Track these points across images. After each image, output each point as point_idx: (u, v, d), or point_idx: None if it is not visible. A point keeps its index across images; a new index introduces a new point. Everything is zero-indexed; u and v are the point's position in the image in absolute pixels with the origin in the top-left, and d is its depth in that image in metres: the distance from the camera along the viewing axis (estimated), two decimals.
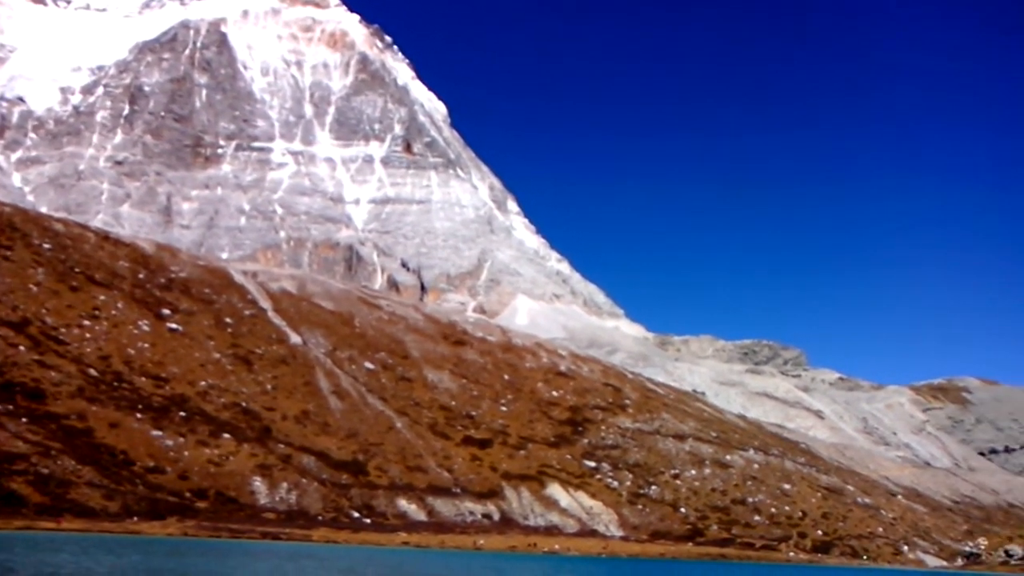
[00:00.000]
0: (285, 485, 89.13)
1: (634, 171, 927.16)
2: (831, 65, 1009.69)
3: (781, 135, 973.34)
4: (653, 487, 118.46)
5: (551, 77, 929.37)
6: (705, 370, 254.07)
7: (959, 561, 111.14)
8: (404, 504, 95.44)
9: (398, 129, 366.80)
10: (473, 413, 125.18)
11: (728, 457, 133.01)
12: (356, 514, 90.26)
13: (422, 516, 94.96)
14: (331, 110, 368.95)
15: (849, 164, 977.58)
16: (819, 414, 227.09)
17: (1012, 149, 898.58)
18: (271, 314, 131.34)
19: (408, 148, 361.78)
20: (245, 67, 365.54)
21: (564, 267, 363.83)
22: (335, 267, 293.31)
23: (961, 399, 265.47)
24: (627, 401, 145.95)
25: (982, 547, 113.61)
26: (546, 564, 63.76)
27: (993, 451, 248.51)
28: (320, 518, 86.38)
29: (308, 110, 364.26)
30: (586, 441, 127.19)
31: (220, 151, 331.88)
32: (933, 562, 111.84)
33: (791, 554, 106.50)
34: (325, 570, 39.82)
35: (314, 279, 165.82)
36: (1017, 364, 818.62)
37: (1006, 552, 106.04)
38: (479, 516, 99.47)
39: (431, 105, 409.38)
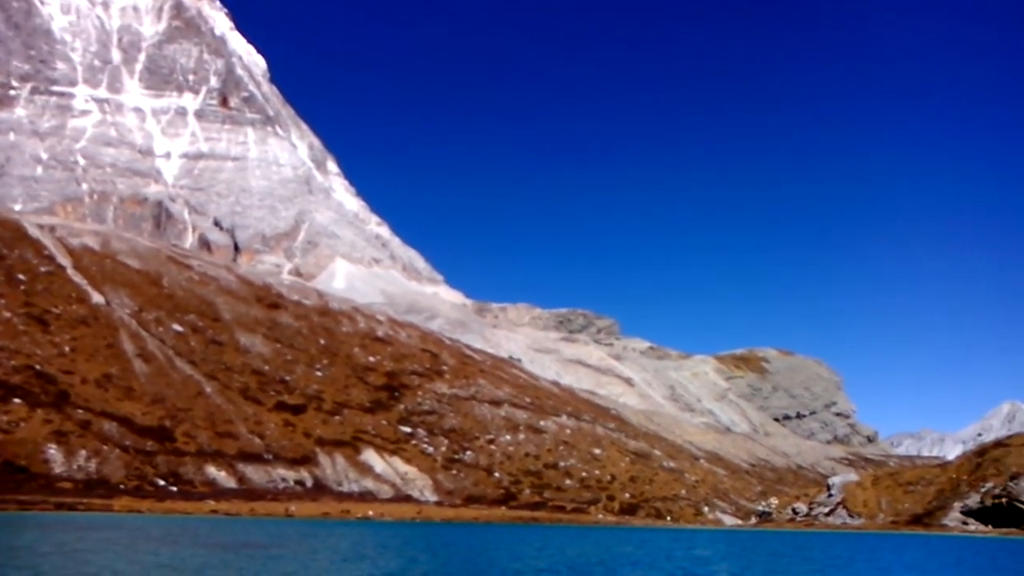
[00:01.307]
0: (84, 453, 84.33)
1: (455, 136, 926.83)
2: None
3: (592, 106, 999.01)
4: (468, 452, 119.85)
5: (374, 37, 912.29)
6: (521, 337, 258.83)
7: (753, 520, 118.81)
8: (213, 471, 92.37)
9: (214, 81, 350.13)
10: (287, 378, 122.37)
11: (542, 423, 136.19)
12: (162, 482, 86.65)
13: (232, 483, 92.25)
14: (141, 57, 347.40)
15: (660, 135, 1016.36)
16: (629, 381, 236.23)
17: (822, 137, 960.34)
18: (71, 272, 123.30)
19: (224, 102, 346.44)
20: (43, 2, 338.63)
21: (384, 231, 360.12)
22: (143, 224, 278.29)
23: (760, 368, 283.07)
24: (444, 367, 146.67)
25: (773, 506, 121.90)
26: (358, 530, 63.29)
27: (787, 417, 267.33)
28: (122, 487, 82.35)
29: (115, 55, 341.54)
30: (402, 407, 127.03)
31: (13, 93, 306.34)
32: (730, 521, 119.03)
33: (600, 516, 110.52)
34: (131, 540, 37.84)
35: (119, 236, 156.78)
36: (809, 335, 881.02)
37: (793, 510, 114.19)
38: (292, 483, 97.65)
39: (250, 59, 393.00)
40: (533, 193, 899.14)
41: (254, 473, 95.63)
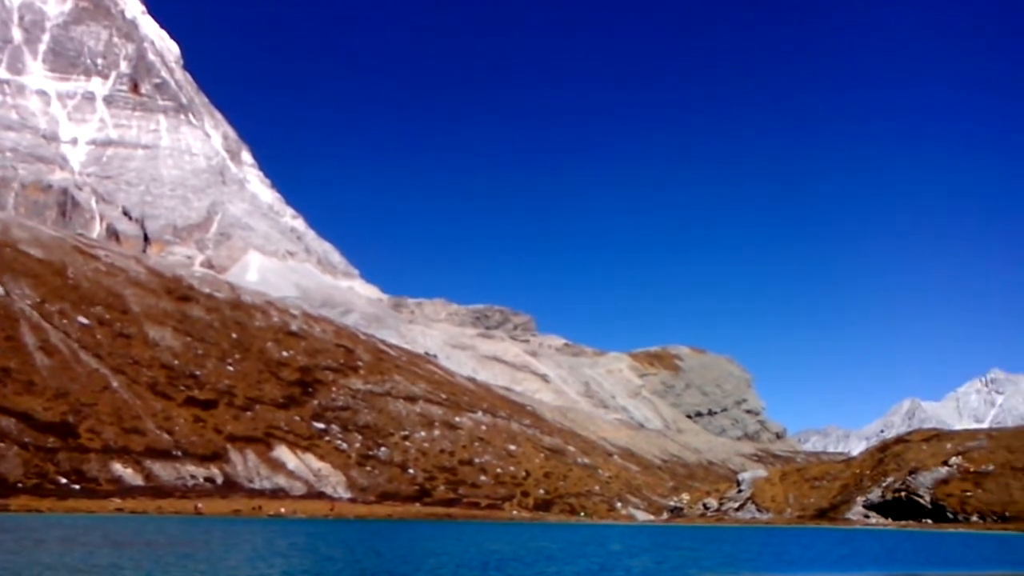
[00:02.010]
0: None
1: (373, 130, 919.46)
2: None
3: (510, 102, 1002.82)
4: (383, 448, 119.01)
5: (291, 26, 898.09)
6: (438, 333, 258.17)
7: (664, 515, 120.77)
8: (119, 468, 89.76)
9: (124, 66, 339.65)
10: (197, 372, 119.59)
11: (457, 419, 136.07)
12: (63, 480, 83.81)
13: (139, 481, 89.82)
14: (45, 38, 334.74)
15: (576, 132, 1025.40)
16: (545, 378, 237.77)
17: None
18: None
19: (135, 88, 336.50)
20: None
21: (299, 224, 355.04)
22: (46, 212, 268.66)
23: (673, 366, 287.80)
24: (359, 362, 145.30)
25: (684, 501, 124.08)
26: (271, 527, 62.26)
27: (699, 414, 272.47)
28: (20, 485, 79.38)
29: (16, 35, 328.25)
30: (316, 402, 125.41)
31: None
32: (642, 516, 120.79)
33: (514, 512, 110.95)
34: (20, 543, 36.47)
35: (21, 224, 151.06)
36: (721, 333, 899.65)
37: (704, 505, 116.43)
38: (201, 480, 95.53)
39: (162, 44, 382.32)
40: (450, 188, 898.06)
41: (162, 470, 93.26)
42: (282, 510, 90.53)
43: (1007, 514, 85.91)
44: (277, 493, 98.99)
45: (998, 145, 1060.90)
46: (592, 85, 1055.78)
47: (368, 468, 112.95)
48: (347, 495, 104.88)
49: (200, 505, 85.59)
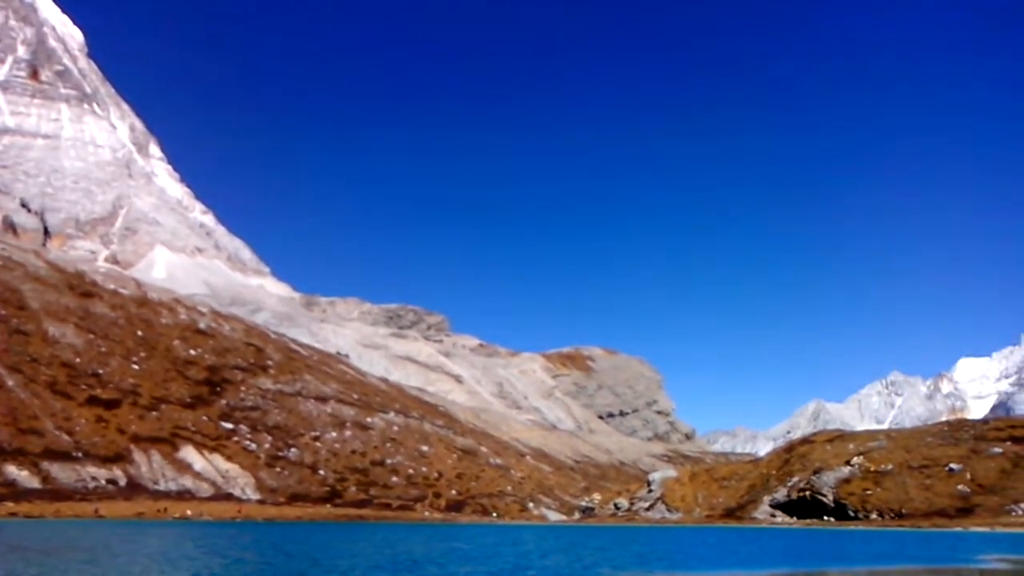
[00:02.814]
0: None
1: (284, 124, 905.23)
2: None
3: (419, 98, 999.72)
4: (293, 449, 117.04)
5: (202, 17, 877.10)
6: (350, 332, 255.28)
7: (576, 515, 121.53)
8: (14, 470, 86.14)
9: (22, 51, 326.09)
10: (100, 371, 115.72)
11: (369, 419, 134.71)
12: None
13: (35, 483, 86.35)
14: None
15: (489, 131, 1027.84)
16: (458, 378, 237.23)
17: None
18: None
19: (35, 74, 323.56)
20: None
21: (209, 219, 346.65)
22: None
23: (586, 367, 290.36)
24: (269, 362, 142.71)
25: (596, 501, 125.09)
26: (176, 530, 60.48)
27: (610, 414, 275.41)
28: None
29: None
30: (224, 402, 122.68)
31: None
32: (554, 516, 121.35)
33: (426, 513, 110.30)
34: None
35: None
36: (633, 334, 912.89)
37: (615, 505, 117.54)
38: (103, 482, 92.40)
39: (65, 30, 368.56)
40: (363, 185, 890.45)
41: (61, 472, 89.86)
42: (188, 512, 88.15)
43: (904, 511, 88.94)
44: (183, 495, 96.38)
45: (908, 151, 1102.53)
46: (503, 74, 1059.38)
47: (278, 469, 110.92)
48: (256, 497, 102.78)
49: (100, 508, 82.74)
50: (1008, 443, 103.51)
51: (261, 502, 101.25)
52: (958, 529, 75.78)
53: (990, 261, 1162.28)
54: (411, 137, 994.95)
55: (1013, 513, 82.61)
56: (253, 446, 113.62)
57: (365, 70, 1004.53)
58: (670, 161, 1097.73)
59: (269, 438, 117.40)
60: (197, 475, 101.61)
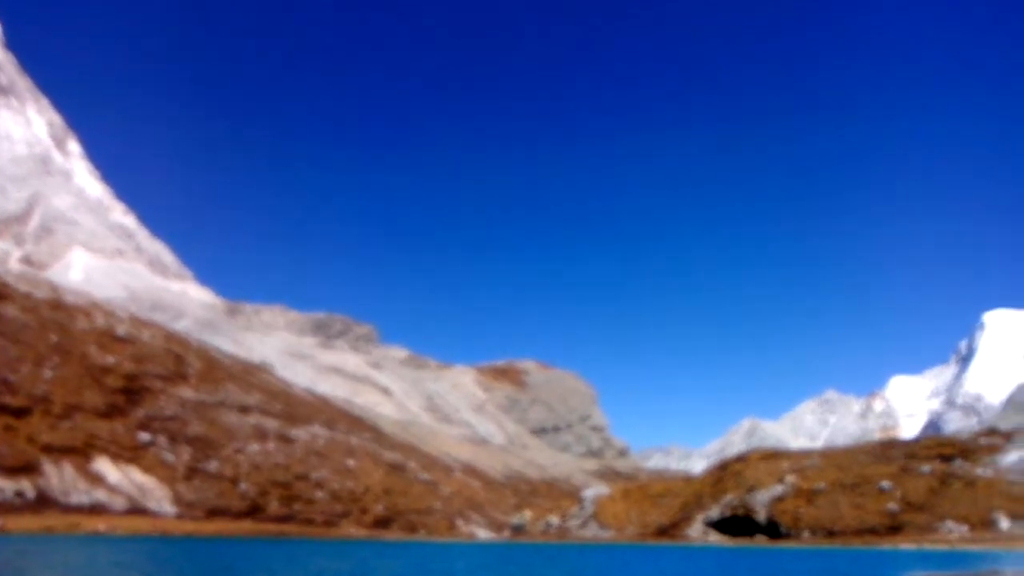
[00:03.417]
0: None
1: (209, 125, 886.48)
2: None
3: (349, 91, 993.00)
4: (213, 462, 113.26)
5: (124, 14, 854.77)
6: (275, 341, 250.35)
7: (506, 532, 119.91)
8: None
9: None
10: (10, 378, 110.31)
11: (293, 432, 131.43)
12: None
13: None
14: None
15: (421, 139, 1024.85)
16: (387, 391, 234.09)
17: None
18: None
19: None
20: None
21: (130, 221, 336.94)
22: None
23: (519, 380, 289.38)
24: (190, 370, 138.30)
25: (527, 518, 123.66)
26: (88, 545, 57.36)
27: (543, 429, 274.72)
28: None
29: None
30: (142, 412, 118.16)
31: None
32: (484, 534, 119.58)
33: (351, 530, 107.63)
34: None
35: None
36: (568, 349, 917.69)
37: (547, 523, 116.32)
38: (10, 494, 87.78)
39: None
40: (291, 190, 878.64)
41: None
42: (101, 527, 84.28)
43: (835, 529, 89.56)
44: (96, 509, 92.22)
45: (833, 171, 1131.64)
46: (431, 80, 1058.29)
47: (196, 482, 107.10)
48: (173, 511, 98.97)
49: (6, 522, 78.49)
50: (937, 461, 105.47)
51: (179, 516, 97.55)
52: (887, 547, 76.51)
53: (922, 279, 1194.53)
54: (340, 142, 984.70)
55: (940, 531, 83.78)
56: (171, 458, 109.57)
57: (293, 67, 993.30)
58: (606, 172, 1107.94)
59: (188, 450, 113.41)
60: (111, 488, 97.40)
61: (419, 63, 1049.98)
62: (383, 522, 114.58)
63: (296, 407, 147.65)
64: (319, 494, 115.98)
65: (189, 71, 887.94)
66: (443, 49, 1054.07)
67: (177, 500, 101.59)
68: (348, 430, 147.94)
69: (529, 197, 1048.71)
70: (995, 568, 44.38)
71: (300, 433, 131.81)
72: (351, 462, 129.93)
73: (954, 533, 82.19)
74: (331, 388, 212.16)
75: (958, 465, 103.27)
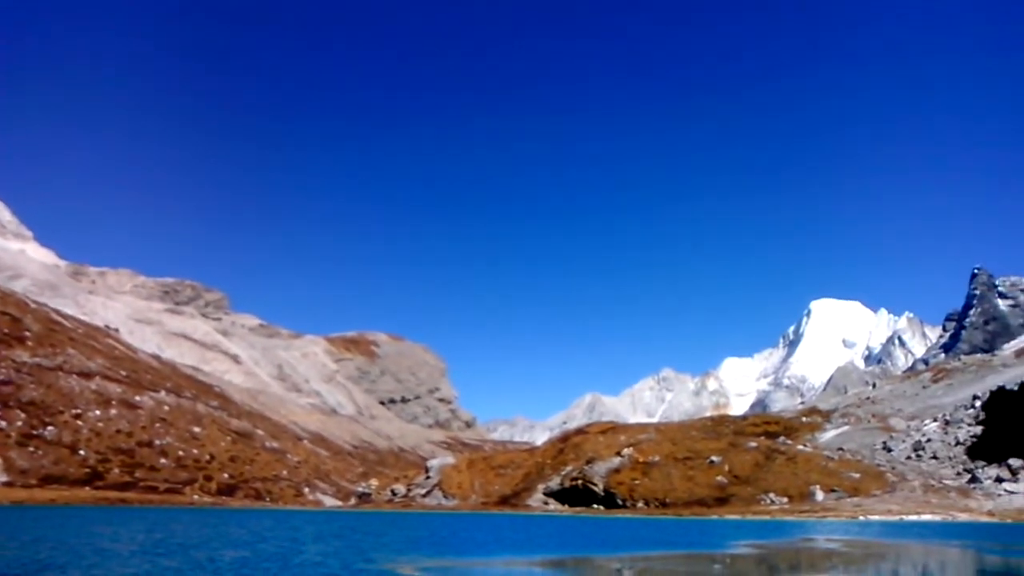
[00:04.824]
0: None
1: (53, 82, 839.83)
2: None
3: (201, 64, 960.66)
4: (50, 428, 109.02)
5: None
6: (121, 306, 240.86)
7: (352, 500, 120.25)
8: None
9: None
10: None
11: (138, 398, 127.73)
12: None
13: None
14: None
15: (278, 112, 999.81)
16: (236, 358, 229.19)
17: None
18: None
19: None
20: None
21: None
22: None
23: (370, 352, 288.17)
24: (27, 333, 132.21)
25: (373, 487, 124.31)
26: None
27: (392, 400, 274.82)
28: None
29: None
30: None
31: None
32: (330, 502, 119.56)
33: (195, 497, 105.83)
34: None
35: None
36: (419, 321, 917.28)
37: (392, 491, 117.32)
38: None
39: None
40: (140, 149, 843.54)
41: None
42: None
43: (668, 500, 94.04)
44: None
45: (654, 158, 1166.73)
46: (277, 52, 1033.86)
47: (31, 449, 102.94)
48: (3, 478, 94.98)
49: None
50: (762, 438, 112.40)
51: (9, 484, 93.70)
52: (715, 517, 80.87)
53: (755, 269, 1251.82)
54: (193, 99, 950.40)
55: (763, 502, 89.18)
56: (3, 424, 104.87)
57: (134, 21, 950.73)
58: (460, 145, 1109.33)
59: (23, 415, 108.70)
60: None
61: None
62: (228, 490, 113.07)
63: (142, 373, 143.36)
64: (163, 461, 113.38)
65: (32, 25, 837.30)
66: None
67: (8, 467, 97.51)
68: (195, 397, 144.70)
69: (381, 171, 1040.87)
70: (808, 536, 48.10)
71: (145, 399, 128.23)
72: (197, 429, 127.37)
73: (775, 505, 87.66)
74: (179, 354, 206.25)
75: (781, 441, 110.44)
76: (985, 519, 71.46)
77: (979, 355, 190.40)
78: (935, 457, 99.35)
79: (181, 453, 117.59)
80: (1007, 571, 28.03)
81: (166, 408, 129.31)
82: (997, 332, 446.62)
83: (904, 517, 73.58)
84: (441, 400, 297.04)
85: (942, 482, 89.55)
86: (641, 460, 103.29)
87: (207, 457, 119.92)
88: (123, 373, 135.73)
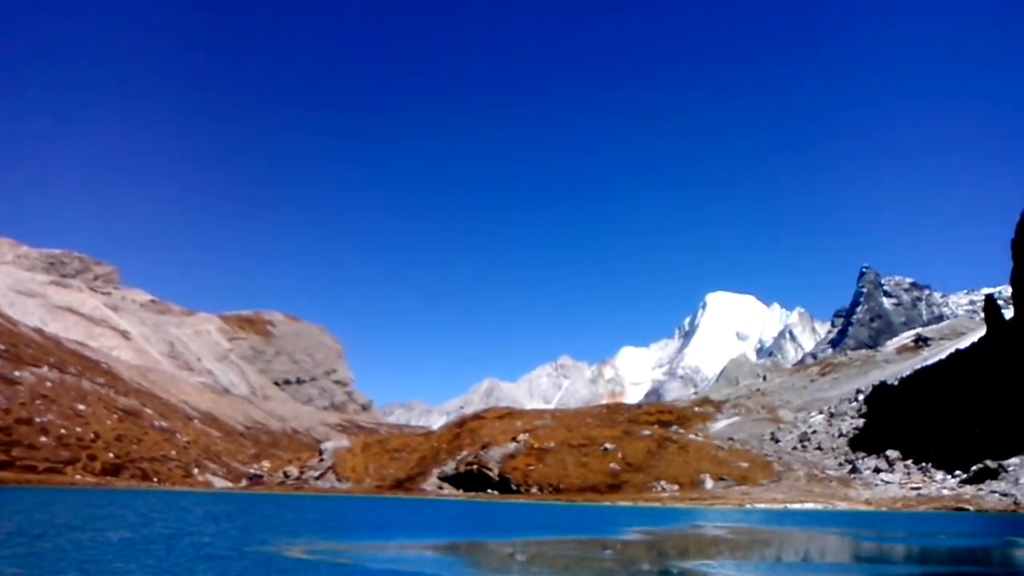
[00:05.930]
0: None
1: None
2: None
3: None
4: None
5: None
6: (2, 277, 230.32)
7: (243, 482, 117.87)
8: None
9: None
10: None
11: (17, 373, 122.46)
12: None
13: None
14: None
15: (175, 86, 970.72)
16: (125, 334, 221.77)
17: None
18: None
19: None
20: None
21: None
22: None
23: (265, 331, 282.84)
24: None
25: (265, 469, 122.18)
26: None
27: (287, 381, 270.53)
28: None
29: None
30: None
31: None
32: (220, 483, 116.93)
33: (78, 477, 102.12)
34: None
35: None
36: (316, 302, 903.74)
37: (284, 473, 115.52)
38: None
39: None
40: (23, 116, 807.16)
41: None
42: None
43: (561, 486, 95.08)
44: None
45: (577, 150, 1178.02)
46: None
47: None
48: None
49: None
50: (655, 426, 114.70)
51: None
52: (607, 503, 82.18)
53: (653, 260, 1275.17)
54: (86, 76, 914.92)
55: (654, 489, 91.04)
56: None
57: None
58: (363, 124, 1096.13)
59: None
60: None
61: None
62: (114, 470, 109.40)
63: (22, 347, 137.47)
64: (43, 439, 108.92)
65: None
66: None
67: None
68: (80, 373, 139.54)
69: (281, 150, 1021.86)
70: (696, 523, 49.27)
71: (26, 375, 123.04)
72: (81, 407, 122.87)
73: (666, 492, 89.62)
74: (64, 329, 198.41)
75: (674, 430, 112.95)
76: (863, 507, 74.47)
77: (864, 351, 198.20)
78: (819, 448, 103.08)
79: (63, 431, 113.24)
80: (880, 556, 29.30)
81: (48, 384, 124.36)
82: (881, 329, 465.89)
83: (788, 505, 76.13)
84: (337, 382, 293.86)
85: (825, 472, 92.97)
86: (536, 446, 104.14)
87: (91, 436, 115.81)
88: (2, 347, 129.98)
